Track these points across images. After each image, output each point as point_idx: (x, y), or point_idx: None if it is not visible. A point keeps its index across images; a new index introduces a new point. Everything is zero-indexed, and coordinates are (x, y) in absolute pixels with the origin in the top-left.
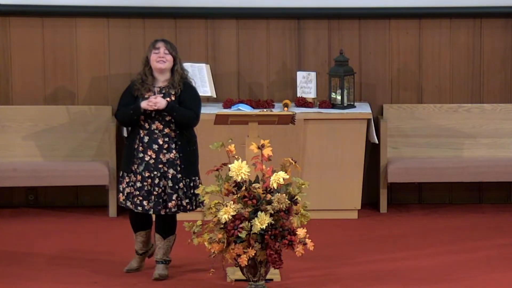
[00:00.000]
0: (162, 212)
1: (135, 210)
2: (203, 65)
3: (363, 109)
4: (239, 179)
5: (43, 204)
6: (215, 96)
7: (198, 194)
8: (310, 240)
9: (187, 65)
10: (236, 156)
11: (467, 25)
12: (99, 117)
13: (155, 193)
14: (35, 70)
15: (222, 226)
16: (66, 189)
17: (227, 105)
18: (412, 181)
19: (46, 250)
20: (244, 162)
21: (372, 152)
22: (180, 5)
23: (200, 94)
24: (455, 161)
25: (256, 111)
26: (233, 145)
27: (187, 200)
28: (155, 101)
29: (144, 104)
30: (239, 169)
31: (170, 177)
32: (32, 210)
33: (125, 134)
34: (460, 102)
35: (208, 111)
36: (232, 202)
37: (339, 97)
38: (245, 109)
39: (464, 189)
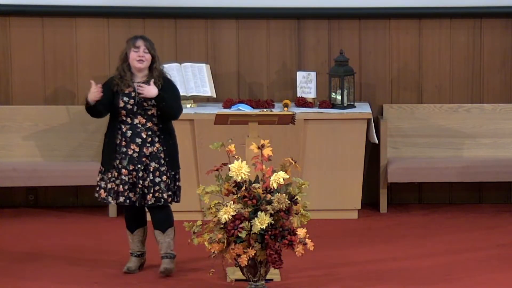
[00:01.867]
0: (142, 204)
1: (119, 203)
2: (203, 65)
3: (363, 109)
4: (239, 179)
5: (43, 204)
6: (215, 96)
7: (181, 187)
8: (310, 240)
9: (187, 65)
10: (236, 156)
11: (467, 25)
12: None
13: (139, 185)
14: (35, 70)
15: (222, 226)
16: (66, 189)
17: (227, 105)
18: (412, 181)
19: (46, 250)
20: (244, 162)
21: (372, 152)
22: (180, 5)
23: (200, 94)
24: (455, 161)
25: (256, 111)
26: (233, 145)
27: (169, 193)
28: (147, 89)
29: (90, 96)
30: (239, 169)
31: (151, 170)
32: (32, 210)
33: None
34: (460, 102)
35: (208, 111)
36: (232, 202)
37: (339, 97)
38: (245, 109)
39: (464, 189)
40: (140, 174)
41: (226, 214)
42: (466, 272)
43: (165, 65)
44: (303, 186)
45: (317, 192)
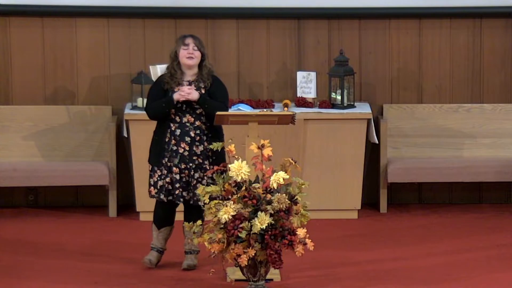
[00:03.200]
0: (200, 203)
1: (171, 200)
2: None
3: (363, 109)
4: (239, 179)
5: (43, 204)
6: None
7: None
8: (310, 240)
9: None
10: (236, 156)
11: (467, 25)
12: (99, 117)
13: (192, 184)
14: (35, 70)
15: (222, 226)
16: (66, 189)
17: None
18: (412, 181)
19: (46, 250)
20: (244, 162)
21: (372, 152)
22: (180, 5)
23: None
24: (455, 161)
25: (256, 111)
26: (233, 145)
27: None
28: (188, 91)
29: (177, 96)
30: (239, 169)
31: (207, 168)
32: (32, 210)
33: (125, 134)
34: (460, 102)
35: None
36: (232, 202)
37: (339, 97)
38: (245, 109)
39: (464, 189)
40: (192, 173)
41: (226, 214)
42: (466, 272)
43: (165, 65)
44: (303, 186)
45: (317, 192)
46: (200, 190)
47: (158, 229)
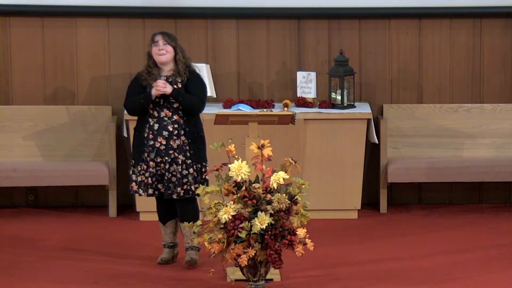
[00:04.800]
0: (175, 196)
1: (147, 195)
2: (203, 65)
3: (363, 109)
4: (239, 179)
5: (43, 204)
6: (215, 96)
7: (208, 180)
8: (310, 240)
9: None
10: (236, 156)
11: (467, 25)
12: (99, 117)
13: (166, 177)
14: (35, 70)
15: (222, 226)
16: (66, 189)
17: (227, 105)
18: (412, 181)
19: (46, 250)
20: (244, 162)
21: (372, 152)
22: (180, 5)
23: None
24: (455, 161)
25: (256, 111)
26: (233, 145)
27: (196, 185)
28: (163, 85)
29: (153, 91)
30: (239, 169)
31: (180, 162)
32: (32, 210)
33: (125, 134)
34: (460, 102)
35: (208, 111)
36: (232, 202)
37: (339, 97)
38: (245, 109)
39: (464, 189)
40: (167, 166)
41: (226, 214)
42: (466, 272)
43: None
44: (303, 186)
45: (317, 192)
46: (200, 190)
47: (163, 224)
